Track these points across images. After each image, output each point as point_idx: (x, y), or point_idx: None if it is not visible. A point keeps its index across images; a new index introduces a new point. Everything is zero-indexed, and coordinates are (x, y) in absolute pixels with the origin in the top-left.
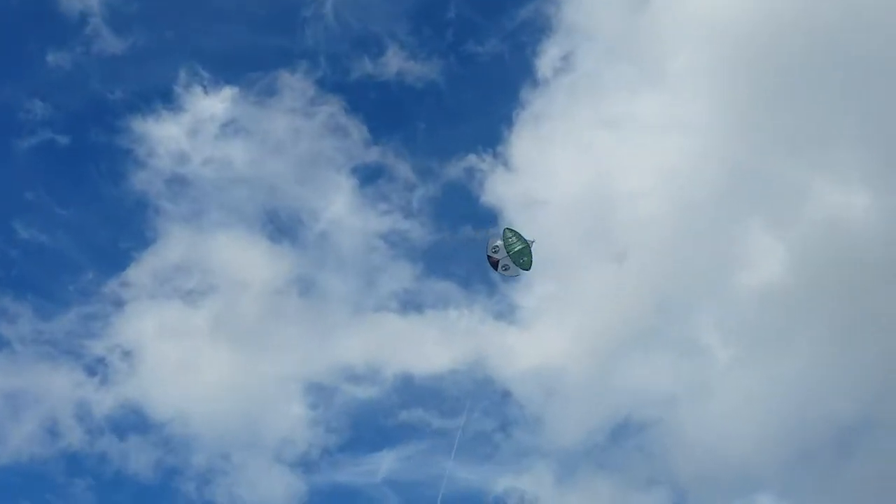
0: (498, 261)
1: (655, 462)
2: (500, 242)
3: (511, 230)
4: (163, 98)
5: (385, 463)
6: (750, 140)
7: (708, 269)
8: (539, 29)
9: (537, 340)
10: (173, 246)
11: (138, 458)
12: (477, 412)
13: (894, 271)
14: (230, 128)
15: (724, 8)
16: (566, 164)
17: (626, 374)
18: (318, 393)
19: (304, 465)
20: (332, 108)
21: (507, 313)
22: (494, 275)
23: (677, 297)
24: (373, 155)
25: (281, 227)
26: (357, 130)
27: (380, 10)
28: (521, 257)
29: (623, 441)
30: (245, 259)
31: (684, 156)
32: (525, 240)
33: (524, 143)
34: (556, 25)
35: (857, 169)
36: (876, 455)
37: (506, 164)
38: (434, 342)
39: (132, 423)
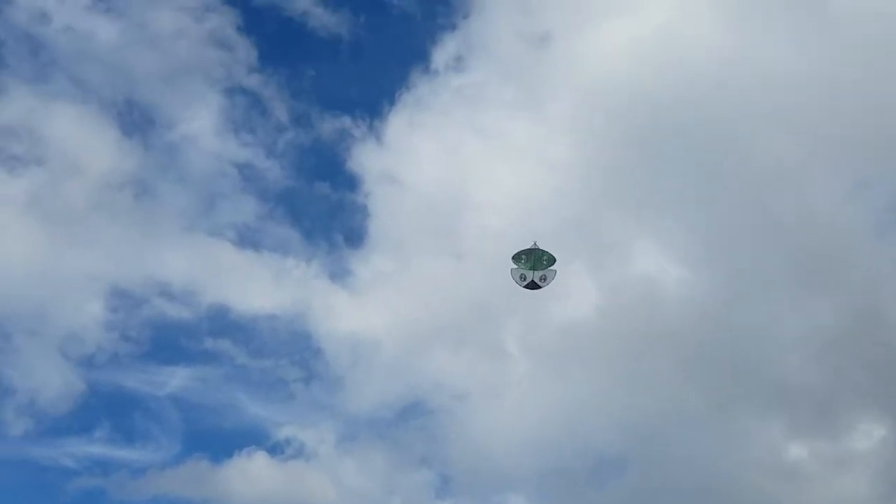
0: (534, 280)
1: (432, 447)
2: (522, 270)
3: (515, 256)
4: None
5: (175, 380)
6: (594, 190)
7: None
8: (440, 27)
9: (361, 310)
10: (6, 104)
11: None
12: (286, 359)
13: (678, 342)
14: (104, 3)
15: (610, 73)
16: (431, 156)
17: (431, 361)
18: (124, 298)
19: (88, 364)
20: (224, 21)
21: (340, 276)
22: (336, 235)
23: (494, 305)
24: (253, 82)
25: (134, 121)
26: (245, 51)
27: None
28: (542, 259)
29: (409, 421)
30: (86, 141)
31: (536, 186)
32: (529, 249)
33: (400, 123)
34: (459, 25)
35: (680, 243)
36: (621, 491)
37: (378, 139)
38: (262, 283)
39: None
